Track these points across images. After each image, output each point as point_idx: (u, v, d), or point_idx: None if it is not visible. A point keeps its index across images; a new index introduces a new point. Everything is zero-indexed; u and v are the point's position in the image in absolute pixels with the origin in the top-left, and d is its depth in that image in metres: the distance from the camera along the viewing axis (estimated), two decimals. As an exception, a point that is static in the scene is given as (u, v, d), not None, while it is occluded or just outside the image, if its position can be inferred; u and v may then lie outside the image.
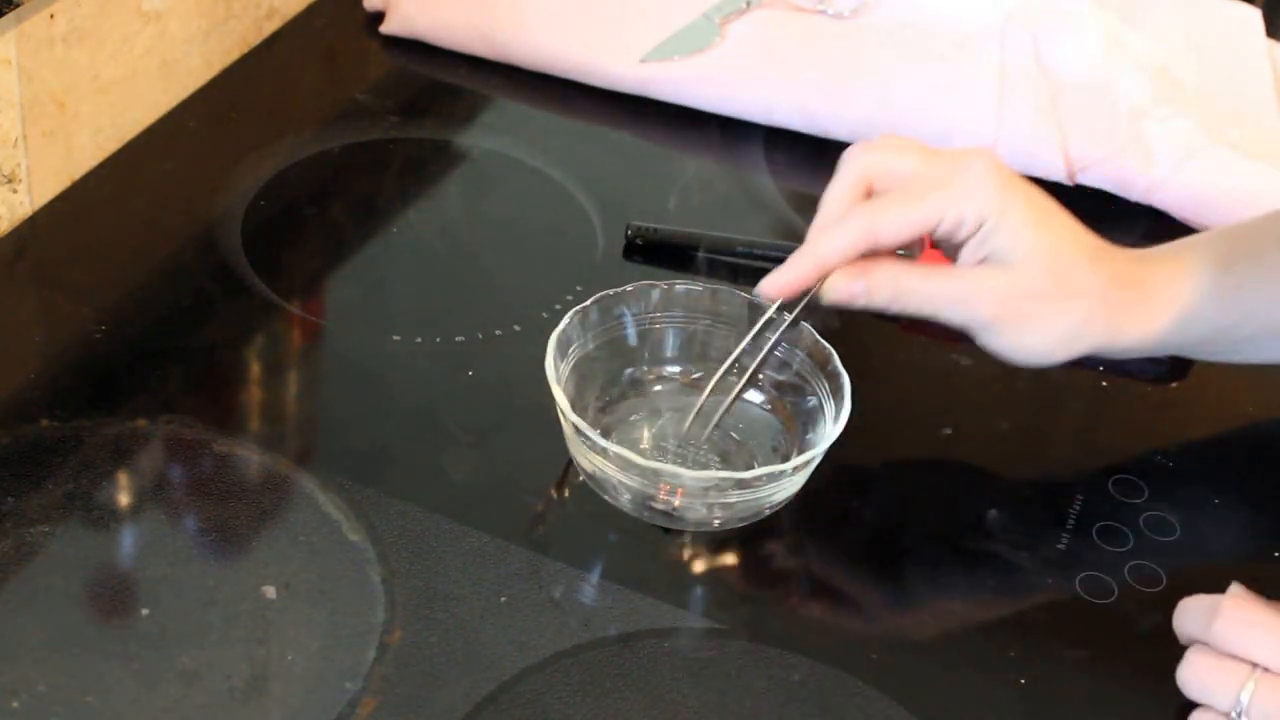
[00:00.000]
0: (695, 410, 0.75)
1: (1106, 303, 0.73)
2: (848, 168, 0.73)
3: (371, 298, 0.87)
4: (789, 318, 0.75)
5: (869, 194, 0.73)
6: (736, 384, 0.75)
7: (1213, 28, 1.13)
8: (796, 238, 0.93)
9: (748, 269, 0.90)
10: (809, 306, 0.73)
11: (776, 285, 0.72)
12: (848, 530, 0.75)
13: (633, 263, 0.90)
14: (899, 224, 0.71)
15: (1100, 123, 1.01)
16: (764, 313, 0.75)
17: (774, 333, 0.75)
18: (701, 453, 0.77)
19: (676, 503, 0.71)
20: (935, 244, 0.75)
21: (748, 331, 0.78)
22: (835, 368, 0.75)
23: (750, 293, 0.78)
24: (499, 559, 0.71)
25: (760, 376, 0.77)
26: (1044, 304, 0.72)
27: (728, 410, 0.75)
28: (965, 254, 0.72)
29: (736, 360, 0.75)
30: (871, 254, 0.72)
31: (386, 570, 0.70)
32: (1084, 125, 1.01)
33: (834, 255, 0.72)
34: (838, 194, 0.73)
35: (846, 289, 0.72)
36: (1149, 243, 0.89)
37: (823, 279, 0.72)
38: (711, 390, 0.75)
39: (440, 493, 0.74)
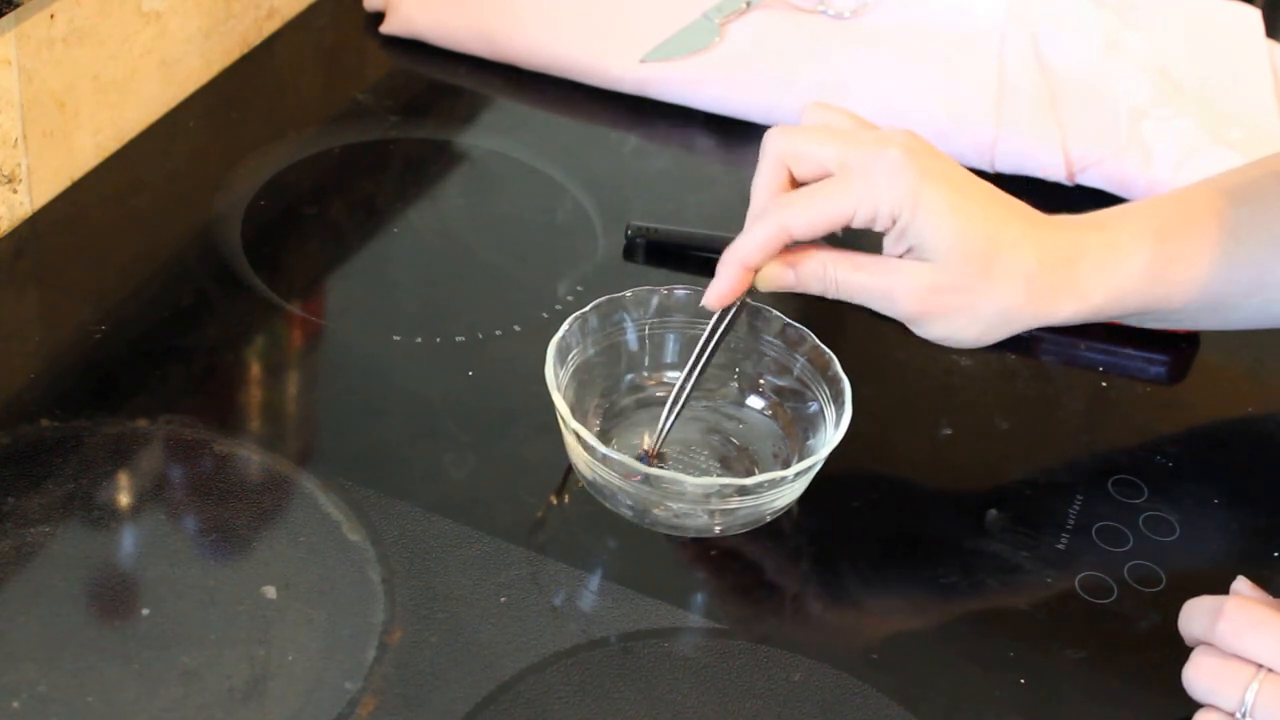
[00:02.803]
0: (660, 426, 0.75)
1: (1034, 286, 0.73)
2: (767, 155, 0.73)
3: (371, 298, 0.87)
4: (733, 309, 0.75)
5: (791, 181, 0.73)
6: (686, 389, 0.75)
7: (1213, 28, 1.13)
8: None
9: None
10: (750, 295, 0.74)
11: (715, 296, 0.74)
12: (847, 530, 0.75)
13: (633, 263, 0.90)
14: (810, 220, 0.71)
15: (1100, 123, 1.01)
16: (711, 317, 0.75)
17: (720, 332, 0.75)
18: (702, 458, 0.77)
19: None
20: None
21: (748, 335, 0.78)
22: (836, 373, 0.75)
23: (749, 298, 0.78)
24: (499, 559, 0.71)
25: (721, 379, 0.78)
26: (967, 296, 0.72)
27: (676, 417, 0.74)
28: (886, 246, 0.73)
29: (694, 370, 0.75)
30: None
31: (386, 570, 0.70)
32: (1084, 125, 1.01)
33: (753, 255, 0.72)
34: (760, 185, 0.74)
35: (777, 279, 0.73)
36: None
37: (754, 275, 0.73)
38: (672, 403, 0.75)
39: (440, 493, 0.74)
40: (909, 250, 0.72)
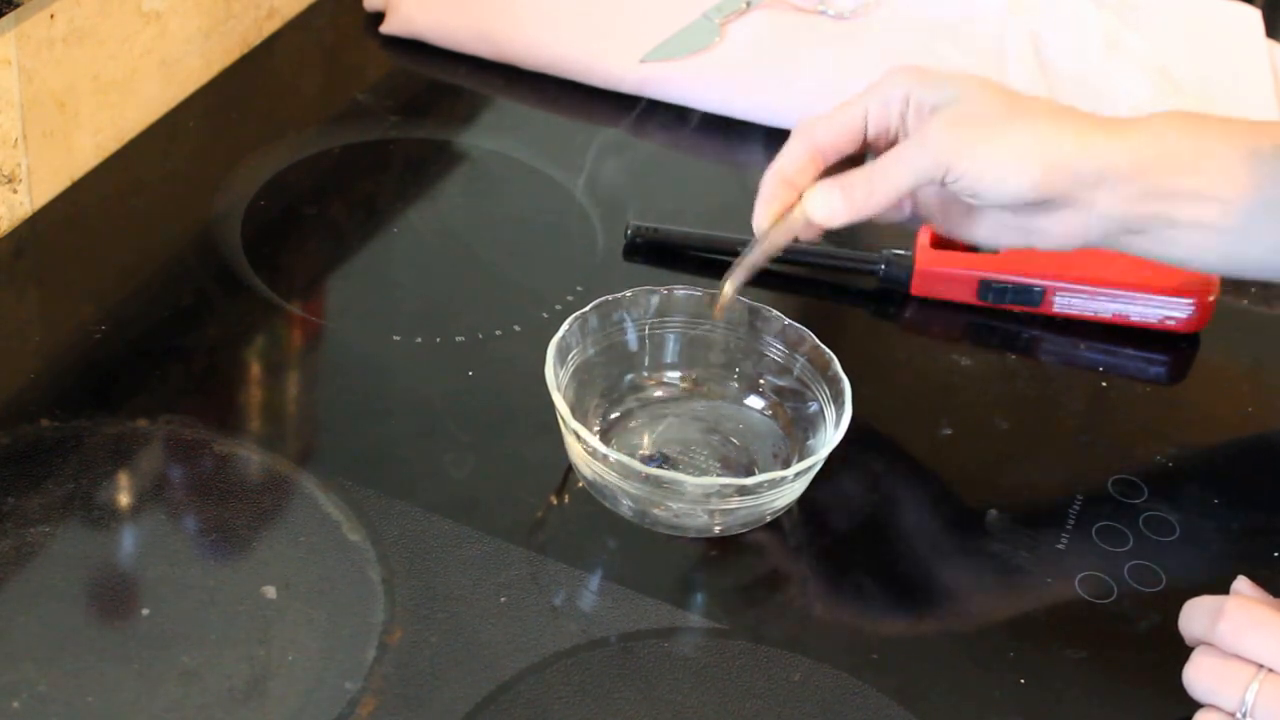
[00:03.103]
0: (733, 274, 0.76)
1: (1060, 121, 0.73)
2: (793, 138, 0.77)
3: (371, 298, 0.87)
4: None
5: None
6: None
7: (1213, 28, 1.13)
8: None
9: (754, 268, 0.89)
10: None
11: (763, 213, 0.76)
12: (847, 530, 0.75)
13: (633, 263, 0.90)
14: (829, 121, 0.75)
15: (1100, 123, 1.01)
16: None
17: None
18: (702, 458, 0.77)
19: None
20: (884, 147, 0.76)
21: (748, 335, 0.78)
22: (836, 373, 0.75)
23: (749, 299, 0.78)
24: (499, 559, 0.71)
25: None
26: (996, 123, 0.73)
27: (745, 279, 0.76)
28: (911, 123, 0.74)
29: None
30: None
31: (386, 570, 0.70)
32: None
33: (788, 165, 0.75)
34: (781, 159, 0.77)
35: (824, 197, 0.74)
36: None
37: (797, 195, 0.75)
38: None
39: (440, 493, 0.74)
40: (932, 110, 0.74)
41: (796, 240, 0.76)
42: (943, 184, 0.73)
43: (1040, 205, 0.73)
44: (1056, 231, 0.75)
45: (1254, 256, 0.75)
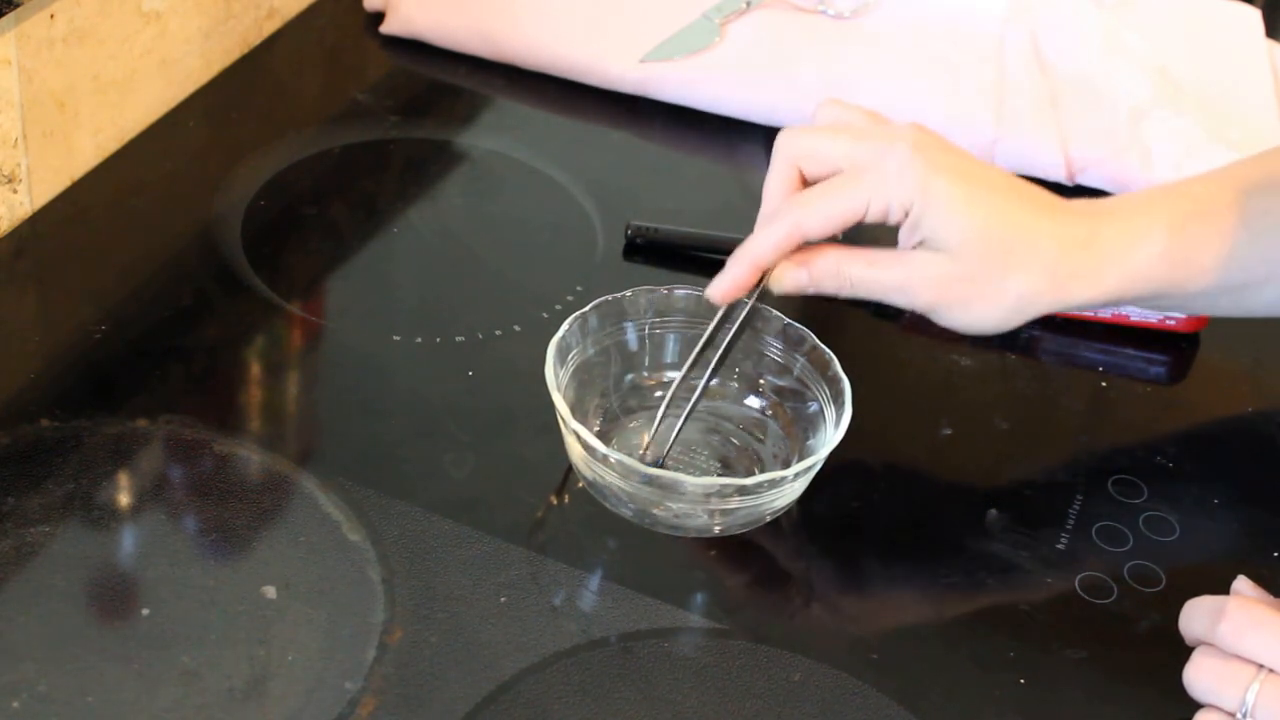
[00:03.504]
0: (653, 428, 0.75)
1: (1052, 274, 0.73)
2: (778, 156, 0.74)
3: (371, 298, 0.87)
4: (742, 313, 0.75)
5: (802, 181, 0.74)
6: (696, 390, 0.74)
7: (1213, 28, 1.13)
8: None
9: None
10: (760, 297, 0.74)
11: (720, 290, 0.74)
12: (847, 530, 0.75)
13: (633, 263, 0.90)
14: (824, 218, 0.72)
15: (1100, 123, 1.01)
16: (716, 314, 0.75)
17: (728, 333, 0.75)
18: (702, 458, 0.77)
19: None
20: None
21: (748, 335, 0.78)
22: (836, 373, 0.75)
23: (748, 298, 0.78)
24: (499, 559, 0.71)
25: (729, 380, 0.78)
26: (984, 286, 0.72)
27: (685, 421, 0.74)
28: (901, 239, 0.73)
29: (694, 366, 0.75)
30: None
31: (386, 570, 0.70)
32: (1084, 125, 1.01)
33: (766, 254, 0.73)
34: (772, 186, 0.74)
35: (792, 280, 0.73)
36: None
37: (764, 276, 0.73)
38: (670, 401, 0.75)
39: (440, 493, 0.74)
40: (922, 242, 0.72)
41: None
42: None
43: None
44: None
45: (1263, 303, 0.78)
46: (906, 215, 0.71)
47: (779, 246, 0.72)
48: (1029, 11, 1.10)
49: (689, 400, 0.74)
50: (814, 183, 0.73)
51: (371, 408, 0.79)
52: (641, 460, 0.73)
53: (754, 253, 0.73)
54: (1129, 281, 0.74)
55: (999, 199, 0.73)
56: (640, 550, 0.73)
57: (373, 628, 0.67)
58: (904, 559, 0.74)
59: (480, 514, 0.73)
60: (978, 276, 0.72)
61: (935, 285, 0.72)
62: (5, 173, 0.85)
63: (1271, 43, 1.13)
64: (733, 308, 0.75)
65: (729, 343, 0.75)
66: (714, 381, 0.75)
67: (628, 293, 0.78)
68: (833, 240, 0.73)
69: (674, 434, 0.74)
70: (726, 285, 0.73)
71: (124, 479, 0.73)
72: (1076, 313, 0.88)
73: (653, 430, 0.75)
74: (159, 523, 0.71)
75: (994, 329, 0.74)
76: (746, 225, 0.91)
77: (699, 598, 0.71)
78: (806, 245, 0.73)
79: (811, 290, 0.73)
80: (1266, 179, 0.77)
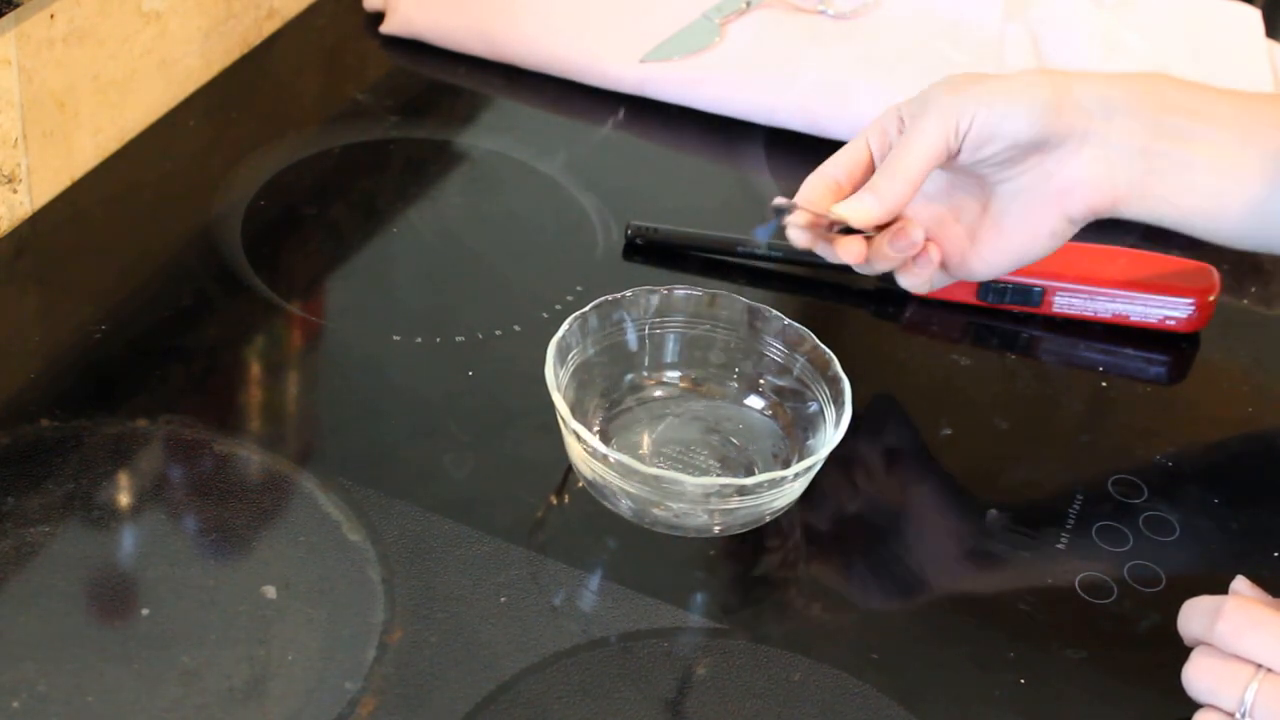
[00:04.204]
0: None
1: (1049, 74, 0.76)
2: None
3: (371, 298, 0.87)
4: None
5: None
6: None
7: (1213, 28, 1.13)
8: (796, 238, 0.93)
9: (748, 270, 0.90)
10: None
11: (808, 193, 0.77)
12: (847, 530, 0.75)
13: (632, 263, 0.90)
14: (836, 159, 0.78)
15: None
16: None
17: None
18: (702, 458, 0.77)
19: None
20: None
21: (748, 335, 0.78)
22: (836, 373, 0.75)
23: (747, 299, 0.78)
24: (499, 559, 0.71)
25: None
26: (993, 77, 0.76)
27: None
28: (909, 127, 0.76)
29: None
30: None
31: (386, 570, 0.70)
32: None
33: (810, 193, 0.77)
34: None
35: (855, 202, 0.75)
36: (1149, 244, 0.90)
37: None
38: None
39: (440, 493, 0.74)
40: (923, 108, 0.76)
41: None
42: (955, 157, 0.75)
43: (1057, 145, 0.75)
44: (1082, 177, 0.76)
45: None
46: (901, 121, 0.77)
47: (814, 189, 0.77)
48: (1029, 11, 1.10)
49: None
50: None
51: (371, 408, 0.79)
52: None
53: (820, 175, 0.77)
54: (1144, 85, 0.76)
55: None
56: (640, 550, 0.73)
57: (373, 628, 0.67)
58: (904, 559, 0.74)
59: (480, 514, 0.73)
60: (979, 75, 0.76)
61: (947, 90, 0.75)
62: (5, 173, 0.85)
63: (1271, 43, 1.13)
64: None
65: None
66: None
67: (628, 293, 0.78)
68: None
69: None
70: (807, 191, 0.77)
71: (124, 479, 0.73)
72: (1075, 313, 0.88)
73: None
74: (159, 523, 0.71)
75: (1027, 109, 0.75)
76: (747, 225, 0.91)
77: (699, 598, 0.71)
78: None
79: (876, 207, 0.75)
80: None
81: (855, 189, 0.76)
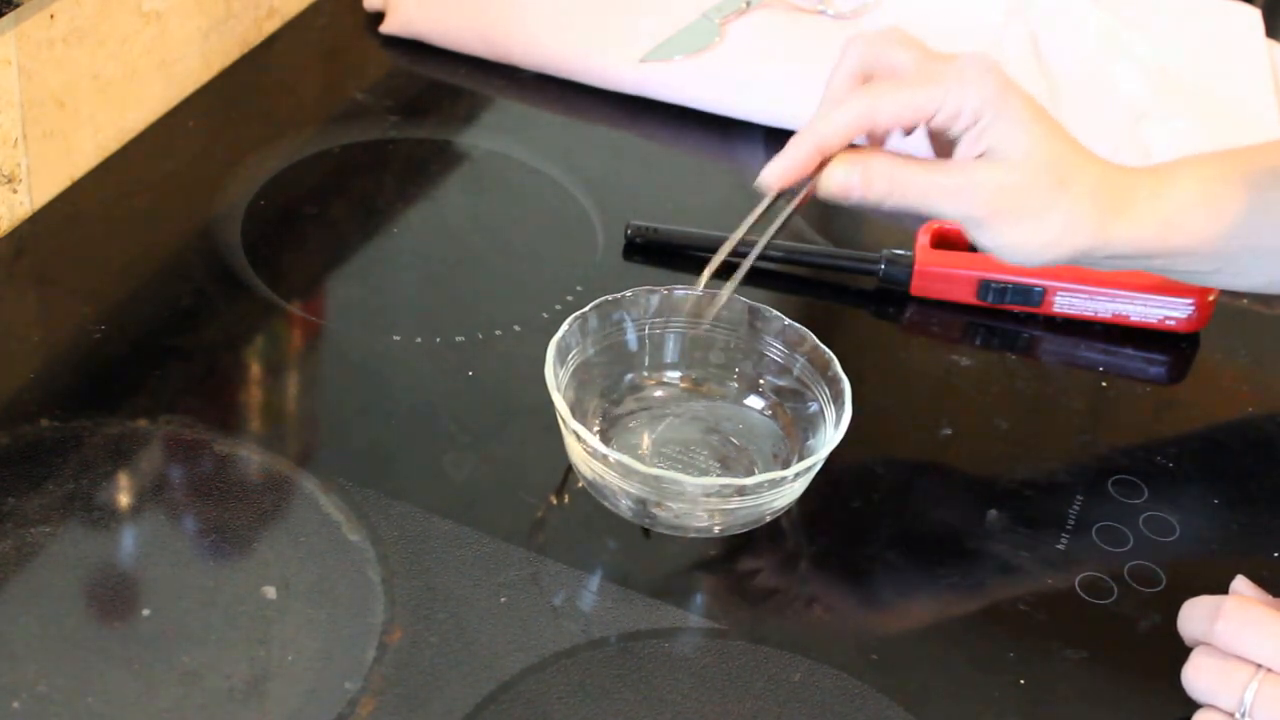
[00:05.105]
0: (703, 285, 0.74)
1: (1098, 203, 0.73)
2: (849, 52, 0.73)
3: (371, 298, 0.87)
4: (781, 217, 0.73)
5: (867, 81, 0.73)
6: (740, 267, 0.74)
7: (1213, 28, 1.13)
8: (797, 237, 0.93)
9: (748, 270, 0.89)
10: (805, 202, 0.72)
11: (777, 172, 0.71)
12: (847, 530, 0.75)
13: (632, 263, 0.90)
14: (898, 106, 0.71)
15: (1100, 123, 1.01)
16: (764, 201, 0.73)
17: (772, 224, 0.74)
18: (702, 458, 0.77)
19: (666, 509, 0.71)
20: (931, 136, 0.74)
21: (748, 335, 0.78)
22: (836, 373, 0.75)
23: (747, 299, 0.78)
24: (499, 560, 0.71)
25: (760, 263, 0.77)
26: (1038, 199, 0.72)
27: (733, 291, 0.74)
28: (962, 147, 0.72)
29: (735, 249, 0.74)
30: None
31: (386, 570, 0.70)
32: (1084, 125, 1.00)
33: (833, 135, 0.71)
34: (838, 80, 0.73)
35: (843, 178, 0.71)
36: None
37: (821, 164, 0.71)
38: (711, 274, 0.73)
39: (440, 493, 0.74)
40: (984, 153, 0.72)
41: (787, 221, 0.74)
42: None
43: None
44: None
45: (1251, 286, 0.79)
46: (976, 121, 0.71)
47: (847, 128, 0.71)
48: (1028, 11, 1.10)
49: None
50: None
51: (371, 408, 0.79)
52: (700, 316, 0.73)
53: (820, 133, 0.71)
54: (1164, 225, 0.75)
55: (1058, 127, 0.73)
56: (640, 550, 0.73)
57: (373, 628, 0.67)
58: (904, 559, 0.74)
59: (480, 514, 0.73)
60: (1033, 189, 0.72)
61: (990, 192, 0.71)
62: (5, 173, 0.85)
63: (1271, 43, 1.13)
64: (775, 200, 0.72)
65: (767, 235, 0.73)
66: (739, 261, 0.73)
67: (628, 293, 0.78)
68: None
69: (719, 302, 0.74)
70: (782, 167, 0.71)
71: (124, 479, 0.73)
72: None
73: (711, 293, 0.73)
74: (159, 523, 0.71)
75: (1034, 254, 0.73)
76: (746, 225, 0.91)
77: (699, 598, 0.71)
78: (858, 148, 0.72)
79: (859, 194, 0.71)
80: None
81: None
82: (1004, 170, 0.71)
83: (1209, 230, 0.75)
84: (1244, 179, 0.76)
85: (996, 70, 0.72)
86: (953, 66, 0.72)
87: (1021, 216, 0.72)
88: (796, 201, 0.72)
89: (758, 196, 0.74)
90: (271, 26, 1.05)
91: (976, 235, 0.74)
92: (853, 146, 0.72)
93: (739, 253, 0.75)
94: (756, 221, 0.73)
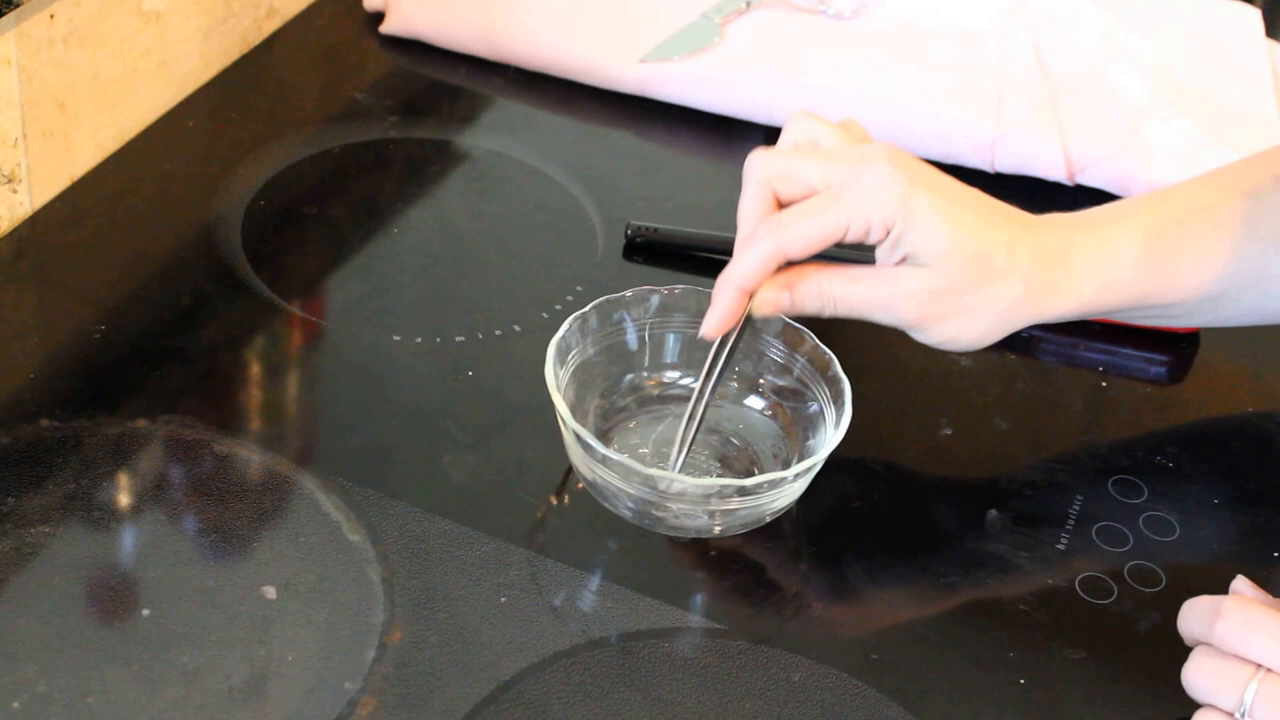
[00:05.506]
0: (677, 448, 0.74)
1: (1030, 285, 0.73)
2: (751, 179, 0.73)
3: (371, 298, 0.87)
4: (733, 335, 0.73)
5: (777, 203, 0.73)
6: (701, 407, 0.74)
7: (1213, 28, 1.13)
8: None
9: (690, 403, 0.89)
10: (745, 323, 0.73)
11: (713, 325, 0.73)
12: (847, 530, 0.75)
13: (633, 263, 0.90)
14: (805, 238, 0.71)
15: (1100, 123, 1.01)
16: (713, 344, 0.74)
17: (725, 356, 0.74)
18: (702, 458, 0.77)
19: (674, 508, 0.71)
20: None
21: (748, 335, 0.78)
22: (836, 373, 0.75)
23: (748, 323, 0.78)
24: (499, 560, 0.71)
25: (725, 392, 0.78)
26: (966, 298, 0.72)
27: (690, 444, 0.73)
28: (880, 256, 0.72)
29: (701, 391, 0.74)
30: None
31: (386, 570, 0.70)
32: (1084, 125, 1.01)
33: (751, 278, 0.72)
34: (747, 209, 0.74)
35: (773, 302, 0.73)
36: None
37: (750, 297, 0.73)
38: (685, 427, 0.73)
39: (440, 493, 0.74)
40: (903, 259, 0.72)
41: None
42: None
43: None
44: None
45: (1241, 312, 0.80)
46: (888, 233, 0.71)
47: (763, 268, 0.72)
48: (1029, 11, 1.10)
49: (692, 424, 0.73)
50: (789, 204, 0.73)
51: (371, 408, 0.79)
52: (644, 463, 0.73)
53: (738, 278, 0.72)
54: (1106, 291, 0.75)
55: (977, 213, 0.73)
56: (640, 550, 0.73)
57: (373, 628, 0.67)
58: (904, 559, 0.74)
59: (480, 514, 0.73)
60: (959, 289, 0.72)
61: (918, 300, 0.72)
62: (5, 173, 0.85)
63: (1271, 43, 1.13)
64: (726, 335, 0.74)
65: (723, 364, 0.74)
66: (710, 399, 0.74)
67: (628, 293, 0.78)
68: (811, 261, 0.73)
69: (682, 455, 0.73)
70: (718, 318, 0.73)
71: (124, 479, 0.73)
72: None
73: (673, 460, 0.73)
74: (159, 523, 0.71)
75: (974, 344, 0.74)
76: (746, 225, 0.90)
77: (699, 598, 0.71)
78: (787, 266, 0.73)
79: (794, 313, 0.74)
80: (1245, 183, 0.77)
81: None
82: (926, 275, 0.72)
83: (1150, 284, 0.76)
84: (1184, 226, 0.76)
85: (899, 170, 0.71)
86: (855, 181, 0.71)
87: (952, 317, 0.73)
88: (736, 334, 0.73)
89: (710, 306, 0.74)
90: (271, 26, 1.05)
91: (915, 336, 0.74)
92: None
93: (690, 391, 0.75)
94: (715, 353, 0.74)
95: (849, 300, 0.73)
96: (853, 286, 0.73)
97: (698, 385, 0.74)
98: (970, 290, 0.72)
